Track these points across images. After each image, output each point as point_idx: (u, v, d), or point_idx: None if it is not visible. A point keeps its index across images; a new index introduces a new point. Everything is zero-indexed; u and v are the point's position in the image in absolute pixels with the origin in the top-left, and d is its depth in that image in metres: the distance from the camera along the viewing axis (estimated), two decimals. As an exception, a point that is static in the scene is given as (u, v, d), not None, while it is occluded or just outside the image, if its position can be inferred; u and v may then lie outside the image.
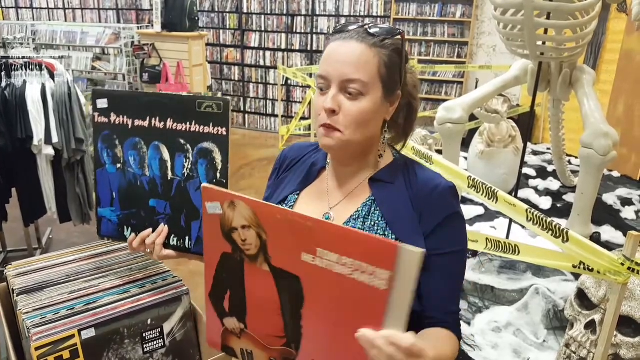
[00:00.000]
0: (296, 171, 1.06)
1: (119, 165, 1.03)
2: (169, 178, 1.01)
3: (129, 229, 1.06)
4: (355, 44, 0.89)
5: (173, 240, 1.03)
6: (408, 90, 0.97)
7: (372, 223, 0.94)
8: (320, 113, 0.91)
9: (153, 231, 1.03)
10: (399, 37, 0.92)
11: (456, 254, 0.93)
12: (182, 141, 0.98)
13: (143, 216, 1.04)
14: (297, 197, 1.03)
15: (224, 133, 0.97)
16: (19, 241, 3.66)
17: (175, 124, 0.98)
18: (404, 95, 0.96)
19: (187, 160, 0.99)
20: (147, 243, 1.04)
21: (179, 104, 0.98)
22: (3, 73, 3.01)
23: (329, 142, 0.91)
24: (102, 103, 1.02)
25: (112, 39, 5.79)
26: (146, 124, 1.00)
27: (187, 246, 1.03)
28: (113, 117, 1.02)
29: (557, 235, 1.56)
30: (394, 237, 0.91)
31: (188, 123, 0.97)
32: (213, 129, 0.97)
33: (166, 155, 1.00)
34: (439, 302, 0.92)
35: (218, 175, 0.99)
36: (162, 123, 0.99)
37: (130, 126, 1.01)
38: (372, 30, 0.90)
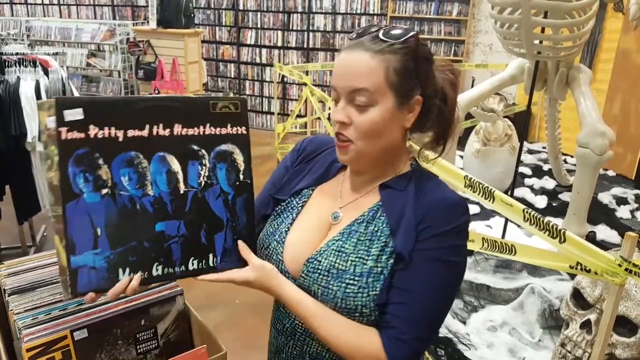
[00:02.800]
0: (314, 165, 1.06)
1: (105, 191, 0.82)
2: (182, 192, 0.87)
3: (127, 269, 0.85)
4: (360, 54, 0.87)
5: (193, 264, 0.89)
6: (436, 93, 0.92)
7: (376, 229, 0.92)
8: (336, 124, 0.91)
9: (163, 261, 0.87)
10: (412, 39, 0.88)
11: (440, 265, 0.86)
12: (195, 147, 0.87)
13: (147, 247, 0.86)
14: (311, 192, 1.03)
15: (244, 132, 0.90)
16: (13, 239, 3.63)
17: (185, 130, 0.86)
18: (428, 99, 0.91)
19: (203, 167, 0.88)
20: (127, 292, 0.84)
21: (189, 106, 0.87)
22: (-4, 69, 2.99)
23: (343, 157, 0.93)
24: (74, 114, 0.79)
25: (107, 35, 5.76)
26: (145, 133, 0.84)
27: (211, 264, 0.90)
28: (93, 130, 0.81)
29: (554, 235, 1.55)
30: (393, 247, 0.89)
31: (201, 127, 0.87)
32: (231, 129, 0.89)
33: (176, 166, 0.86)
34: (402, 306, 0.86)
35: (241, 176, 0.91)
36: (168, 130, 0.85)
37: (121, 138, 0.82)
38: (383, 36, 0.87)
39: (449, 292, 0.90)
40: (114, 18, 7.90)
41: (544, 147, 5.01)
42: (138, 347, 1.08)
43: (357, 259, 0.89)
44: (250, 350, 2.61)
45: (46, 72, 3.12)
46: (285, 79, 7.34)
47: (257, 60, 7.56)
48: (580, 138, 2.71)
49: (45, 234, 3.95)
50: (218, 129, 0.89)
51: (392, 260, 0.88)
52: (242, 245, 0.91)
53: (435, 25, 6.57)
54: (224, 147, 0.89)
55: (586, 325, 1.93)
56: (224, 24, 7.57)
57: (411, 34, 0.88)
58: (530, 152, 5.01)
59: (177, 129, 0.86)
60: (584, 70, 3.01)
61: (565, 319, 2.08)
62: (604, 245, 3.03)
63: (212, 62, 7.76)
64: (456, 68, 0.97)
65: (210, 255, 0.90)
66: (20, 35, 5.88)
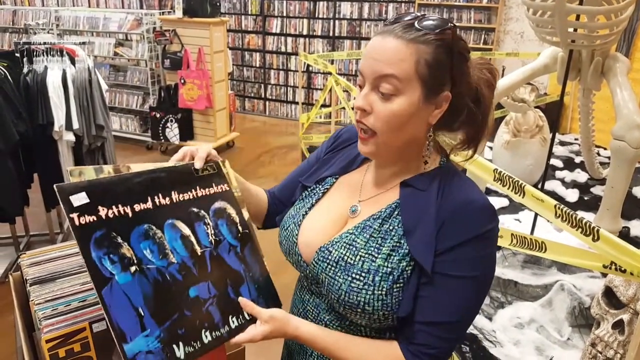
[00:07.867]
0: (343, 154, 1.06)
1: (133, 269, 0.81)
2: (199, 253, 0.89)
3: (180, 344, 0.82)
4: (392, 40, 0.83)
5: (233, 322, 0.88)
6: (468, 91, 0.87)
7: (390, 227, 0.89)
8: (357, 111, 0.88)
9: (207, 326, 0.86)
10: (448, 32, 0.83)
11: (469, 280, 0.83)
12: (195, 209, 0.92)
13: (189, 316, 0.84)
14: (334, 180, 1.03)
15: (227, 188, 0.98)
16: (42, 226, 3.71)
17: (181, 195, 0.92)
18: (459, 97, 0.86)
19: (208, 226, 0.92)
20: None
21: (177, 174, 0.93)
22: (25, 59, 3.03)
23: (363, 149, 0.90)
24: (80, 199, 0.80)
25: (134, 24, 5.79)
26: (150, 205, 0.87)
27: (247, 317, 0.90)
28: (103, 211, 0.81)
29: (587, 233, 1.49)
30: (406, 249, 0.86)
31: (193, 190, 0.94)
32: (217, 188, 0.97)
33: (186, 230, 0.89)
34: (427, 324, 0.84)
35: (240, 228, 0.96)
36: (168, 198, 0.90)
37: (131, 214, 0.84)
38: (418, 24, 0.83)
39: (478, 304, 0.86)
40: (141, 7, 7.96)
41: (576, 139, 4.86)
42: (156, 340, 1.07)
43: (366, 255, 0.88)
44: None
45: (73, 62, 3.15)
46: (310, 68, 7.30)
47: (283, 49, 7.53)
48: (616, 130, 2.61)
49: (73, 221, 4.01)
50: (207, 189, 0.95)
51: (404, 263, 0.85)
52: (243, 302, 0.90)
53: (464, 13, 6.42)
54: (217, 204, 0.95)
55: (618, 326, 1.87)
56: (249, 12, 7.55)
57: (448, 26, 0.84)
58: (562, 143, 4.87)
59: (175, 195, 0.91)
60: (620, 59, 2.88)
61: (596, 318, 2.01)
62: (639, 242, 2.93)
63: (238, 51, 7.76)
64: (494, 67, 0.91)
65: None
66: (49, 24, 5.96)
